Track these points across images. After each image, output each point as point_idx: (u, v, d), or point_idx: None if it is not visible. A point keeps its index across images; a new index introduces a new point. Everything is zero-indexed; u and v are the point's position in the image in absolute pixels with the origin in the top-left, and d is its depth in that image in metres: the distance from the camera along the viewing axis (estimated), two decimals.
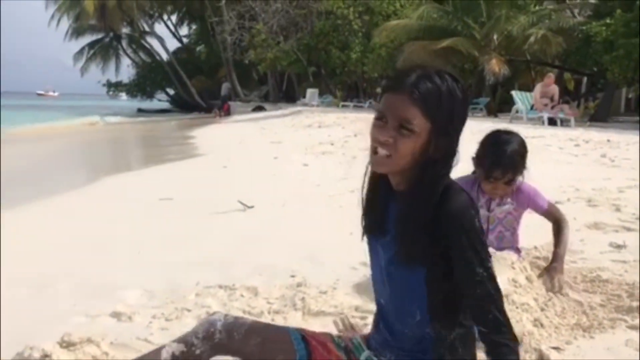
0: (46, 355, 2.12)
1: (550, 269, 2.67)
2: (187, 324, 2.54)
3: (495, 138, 2.71)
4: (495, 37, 20.11)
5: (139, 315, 2.70)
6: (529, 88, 19.00)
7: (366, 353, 1.68)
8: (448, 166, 1.49)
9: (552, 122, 14.54)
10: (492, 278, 1.46)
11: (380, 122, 1.47)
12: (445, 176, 1.49)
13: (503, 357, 1.45)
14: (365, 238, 1.68)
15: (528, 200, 2.80)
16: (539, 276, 2.63)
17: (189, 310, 2.73)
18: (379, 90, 26.76)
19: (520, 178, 2.70)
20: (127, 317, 2.68)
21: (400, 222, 1.52)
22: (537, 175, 2.95)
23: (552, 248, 3.25)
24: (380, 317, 1.68)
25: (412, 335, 1.58)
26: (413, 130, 1.43)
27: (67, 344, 2.23)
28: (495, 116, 19.41)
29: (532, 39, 18.98)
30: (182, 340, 1.69)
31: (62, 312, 2.77)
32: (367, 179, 1.61)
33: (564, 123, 14.53)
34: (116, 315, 2.70)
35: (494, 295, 1.45)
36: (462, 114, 1.49)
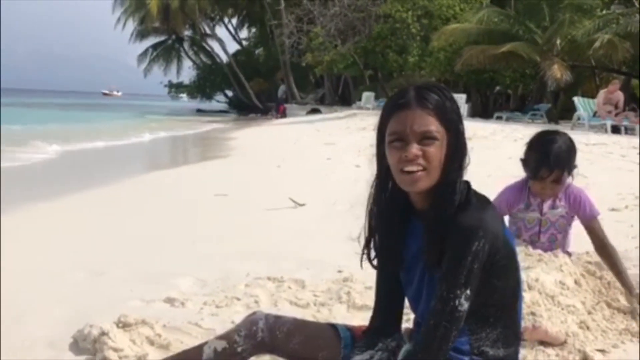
0: (104, 333, 2.24)
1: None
2: (236, 312, 2.64)
3: (541, 138, 2.71)
4: (558, 41, 19.54)
5: (191, 302, 2.81)
6: (592, 95, 18.37)
7: (407, 346, 1.71)
8: (462, 165, 1.52)
9: (615, 129, 14.04)
10: (453, 309, 1.43)
11: (398, 143, 1.49)
12: (461, 175, 1.51)
13: None
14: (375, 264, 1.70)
15: (579, 205, 2.74)
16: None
17: (238, 299, 2.82)
18: None
19: (569, 178, 2.67)
20: (180, 302, 2.80)
21: (427, 233, 1.52)
22: (596, 182, 2.91)
23: None
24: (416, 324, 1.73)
25: None
26: (436, 137, 1.48)
27: (123, 325, 2.35)
28: (557, 123, 18.87)
29: (597, 44, 18.30)
30: (225, 337, 1.73)
31: (119, 296, 2.91)
32: (376, 211, 1.63)
33: (629, 131, 14.00)
34: (169, 300, 2.83)
35: (439, 322, 1.44)
36: (461, 119, 1.56)
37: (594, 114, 15.08)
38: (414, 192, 1.53)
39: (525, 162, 2.72)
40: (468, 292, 1.43)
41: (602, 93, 15.13)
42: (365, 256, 1.70)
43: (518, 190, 2.83)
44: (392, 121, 1.51)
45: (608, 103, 14.58)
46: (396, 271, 1.69)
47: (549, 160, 2.59)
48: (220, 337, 1.73)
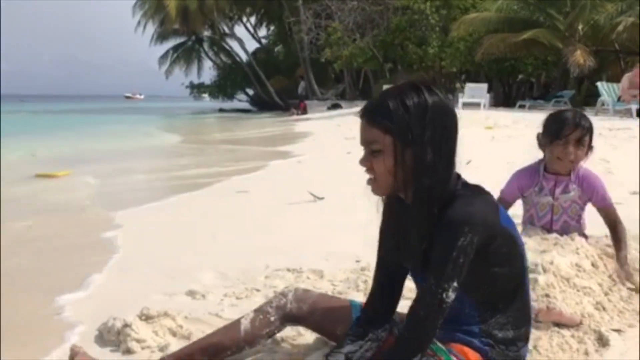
0: (127, 325, 2.31)
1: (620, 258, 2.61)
2: (256, 303, 2.68)
3: (558, 112, 2.78)
4: (580, 27, 19.27)
5: (212, 294, 2.87)
6: (618, 80, 17.99)
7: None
8: (436, 173, 1.49)
9: None
10: (441, 301, 1.46)
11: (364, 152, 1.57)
12: (437, 183, 1.49)
13: (386, 354, 1.56)
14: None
15: (592, 189, 2.73)
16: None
17: (258, 290, 2.88)
18: (457, 85, 26.32)
19: (585, 159, 2.68)
20: (201, 295, 2.86)
21: (412, 227, 1.57)
22: (618, 166, 2.89)
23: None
24: None
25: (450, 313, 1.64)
26: (379, 149, 1.51)
27: (146, 317, 2.42)
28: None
29: (620, 27, 18.03)
30: (259, 309, 1.93)
31: (142, 290, 2.99)
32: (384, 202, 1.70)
33: None
34: (191, 293, 2.89)
35: (428, 313, 1.47)
36: (428, 121, 1.48)
37: (618, 99, 14.83)
38: None
39: (544, 132, 2.73)
40: (455, 284, 1.46)
41: (626, 77, 14.87)
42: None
43: (531, 173, 2.83)
44: None
45: (632, 87, 14.32)
46: (397, 261, 1.73)
47: (572, 118, 2.64)
48: (255, 310, 1.94)
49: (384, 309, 1.77)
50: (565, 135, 2.62)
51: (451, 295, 1.46)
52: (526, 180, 2.82)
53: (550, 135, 2.69)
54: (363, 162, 1.57)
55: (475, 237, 1.45)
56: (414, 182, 1.50)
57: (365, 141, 1.55)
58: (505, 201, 2.82)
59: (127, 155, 11.25)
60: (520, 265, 1.60)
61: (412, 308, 1.51)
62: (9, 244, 4.10)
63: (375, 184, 1.57)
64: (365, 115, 1.55)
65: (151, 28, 40.46)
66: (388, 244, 1.73)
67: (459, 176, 1.57)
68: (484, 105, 18.88)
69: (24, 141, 13.14)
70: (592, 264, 2.48)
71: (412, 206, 1.54)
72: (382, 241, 1.76)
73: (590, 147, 2.71)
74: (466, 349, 1.57)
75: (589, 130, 2.68)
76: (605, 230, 3.16)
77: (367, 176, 1.60)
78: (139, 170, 8.65)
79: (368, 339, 1.72)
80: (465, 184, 1.56)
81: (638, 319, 2.20)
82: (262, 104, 39.83)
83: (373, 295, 1.79)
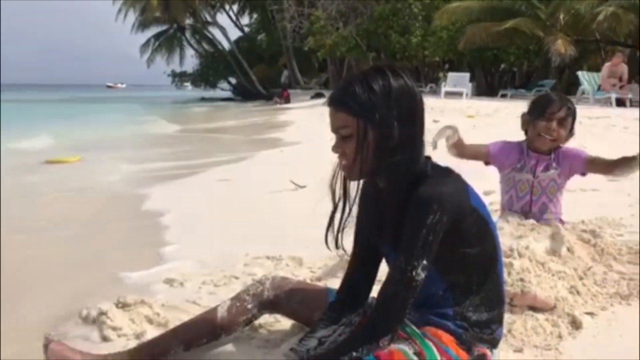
0: (102, 313, 2.29)
1: None
2: (234, 290, 2.66)
3: (545, 94, 3.00)
4: (561, 16, 19.34)
5: (190, 282, 2.85)
6: (599, 69, 18.20)
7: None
8: (405, 152, 1.51)
9: (620, 102, 13.95)
10: (411, 279, 1.46)
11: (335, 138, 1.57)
12: (406, 162, 1.52)
13: (357, 334, 1.57)
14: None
15: (571, 160, 2.81)
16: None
17: (236, 278, 2.87)
18: (440, 74, 26.36)
19: (563, 144, 2.78)
20: (179, 283, 2.84)
21: (386, 208, 1.59)
22: (596, 153, 2.95)
23: (599, 223, 3.22)
24: None
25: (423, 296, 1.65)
26: (349, 134, 1.51)
27: (122, 305, 2.39)
28: None
29: (600, 17, 18.10)
30: (236, 297, 1.92)
31: (119, 279, 2.97)
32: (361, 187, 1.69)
33: (634, 103, 13.90)
34: (169, 281, 2.87)
35: (398, 291, 1.48)
36: (394, 102, 1.49)
37: (598, 88, 14.98)
38: None
39: (529, 110, 2.84)
40: (424, 262, 1.47)
41: (606, 66, 15.01)
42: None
43: (516, 147, 2.91)
44: None
45: (612, 76, 14.47)
46: (373, 246, 1.75)
47: (558, 99, 2.78)
48: (232, 298, 1.94)
49: (358, 293, 1.78)
50: (551, 113, 2.74)
51: (421, 273, 1.47)
52: (511, 150, 2.90)
53: (536, 111, 2.80)
54: (335, 148, 1.57)
55: (444, 216, 1.46)
56: (384, 163, 1.51)
57: (335, 127, 1.55)
58: (488, 150, 2.92)
59: (113, 143, 11.12)
60: (491, 245, 1.62)
61: (382, 287, 1.52)
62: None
63: (348, 169, 1.58)
64: (332, 101, 1.55)
65: (132, 16, 40.02)
66: (365, 229, 1.73)
67: (428, 157, 1.58)
68: (467, 95, 18.96)
69: (15, 130, 12.85)
70: (568, 249, 2.51)
71: (384, 187, 1.56)
72: (359, 226, 1.76)
73: (571, 132, 2.82)
74: (440, 332, 1.58)
75: (573, 113, 2.79)
76: (582, 216, 3.21)
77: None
78: (126, 159, 8.56)
79: (342, 323, 1.73)
80: (435, 166, 1.58)
81: (610, 302, 2.23)
82: (245, 93, 39.61)
83: (347, 280, 1.80)
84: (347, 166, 1.57)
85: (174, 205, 5.01)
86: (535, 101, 2.88)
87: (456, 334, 1.59)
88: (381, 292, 1.51)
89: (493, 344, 1.67)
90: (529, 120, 2.84)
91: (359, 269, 1.78)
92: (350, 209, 1.68)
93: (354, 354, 1.49)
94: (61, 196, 5.56)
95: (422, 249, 1.46)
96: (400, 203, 1.51)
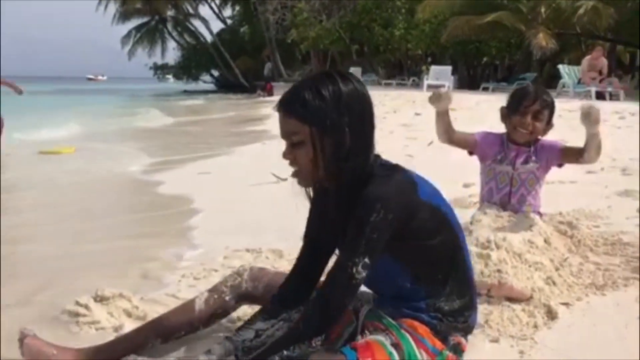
0: (80, 307, 2.27)
1: None
2: (214, 283, 2.67)
3: (523, 87, 2.98)
4: (542, 9, 19.52)
5: (169, 276, 2.84)
6: (579, 62, 18.37)
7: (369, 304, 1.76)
8: (356, 157, 1.52)
9: (600, 96, 14.10)
10: (350, 276, 1.47)
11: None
12: (357, 166, 1.53)
13: (290, 332, 1.55)
14: None
15: (548, 152, 2.84)
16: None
17: (216, 271, 2.85)
18: (423, 67, 26.46)
19: (542, 136, 2.82)
20: (158, 276, 2.83)
21: (334, 207, 1.60)
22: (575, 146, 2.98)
23: (577, 215, 3.26)
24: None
25: (394, 289, 1.66)
26: (300, 140, 1.51)
27: (100, 298, 2.37)
28: None
29: (581, 10, 18.29)
30: (213, 289, 1.92)
31: (97, 272, 2.94)
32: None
33: (613, 97, 14.08)
34: (147, 274, 2.86)
35: (336, 287, 1.49)
36: (343, 108, 1.49)
37: (579, 81, 15.13)
38: None
39: (507, 104, 2.87)
40: (367, 260, 1.47)
41: (586, 60, 15.16)
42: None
43: (498, 139, 2.94)
44: None
45: (592, 70, 14.62)
46: (320, 245, 1.76)
47: (533, 92, 2.81)
48: (210, 290, 1.93)
49: (301, 290, 1.76)
50: (525, 106, 2.77)
51: (361, 271, 1.47)
52: (495, 143, 2.92)
53: (512, 105, 2.83)
54: (286, 155, 1.56)
55: (389, 214, 1.46)
56: (335, 169, 1.51)
57: (286, 133, 1.54)
58: (475, 140, 2.95)
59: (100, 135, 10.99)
60: (451, 233, 1.63)
61: (322, 284, 1.53)
62: None
63: (300, 176, 1.58)
64: (282, 107, 1.54)
65: (113, 7, 39.55)
66: (314, 226, 1.75)
67: (377, 156, 1.59)
68: (449, 88, 19.04)
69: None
70: (545, 241, 2.54)
71: (333, 190, 1.57)
72: (309, 224, 1.78)
73: (550, 123, 2.84)
74: (416, 324, 1.59)
75: (549, 105, 2.82)
76: (559, 208, 3.25)
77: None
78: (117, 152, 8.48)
79: (281, 318, 1.72)
80: (383, 164, 1.58)
81: (586, 292, 2.27)
82: (228, 86, 39.39)
83: (292, 276, 1.79)
84: (298, 173, 1.56)
85: (151, 198, 4.98)
86: (512, 95, 2.92)
87: (431, 325, 1.60)
88: (319, 289, 1.53)
89: (467, 331, 1.70)
90: (507, 114, 2.87)
91: (304, 266, 1.78)
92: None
93: (285, 352, 1.49)
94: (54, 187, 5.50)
95: (365, 247, 1.46)
96: (348, 203, 1.52)
